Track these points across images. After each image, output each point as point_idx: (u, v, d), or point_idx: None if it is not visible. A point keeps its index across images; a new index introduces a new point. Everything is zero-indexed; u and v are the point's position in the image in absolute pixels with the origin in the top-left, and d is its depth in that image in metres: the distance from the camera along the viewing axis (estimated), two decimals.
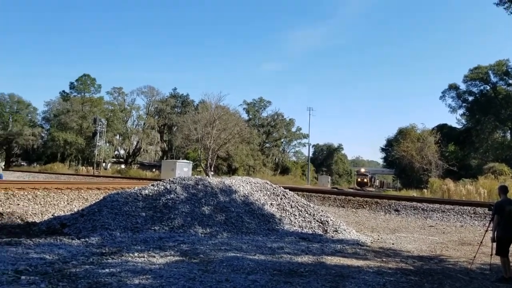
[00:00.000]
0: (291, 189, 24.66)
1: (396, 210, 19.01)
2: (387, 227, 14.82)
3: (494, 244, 7.51)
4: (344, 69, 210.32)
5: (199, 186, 11.62)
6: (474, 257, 8.56)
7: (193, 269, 6.55)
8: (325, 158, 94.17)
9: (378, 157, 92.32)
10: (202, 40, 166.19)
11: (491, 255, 7.67)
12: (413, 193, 34.18)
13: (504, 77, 56.30)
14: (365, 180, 76.22)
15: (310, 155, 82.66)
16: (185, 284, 5.58)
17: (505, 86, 57.39)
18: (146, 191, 10.89)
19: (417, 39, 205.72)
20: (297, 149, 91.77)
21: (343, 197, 22.44)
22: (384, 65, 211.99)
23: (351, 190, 41.13)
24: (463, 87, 59.59)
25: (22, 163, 75.76)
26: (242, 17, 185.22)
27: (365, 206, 20.28)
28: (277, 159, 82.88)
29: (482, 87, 58.51)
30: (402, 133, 55.03)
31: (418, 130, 53.19)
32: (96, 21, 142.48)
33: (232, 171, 64.96)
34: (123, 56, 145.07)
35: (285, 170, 79.70)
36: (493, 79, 57.49)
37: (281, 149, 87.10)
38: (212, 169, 56.36)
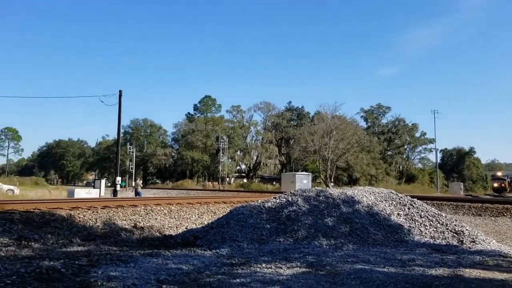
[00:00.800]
0: (419, 198, 23.25)
1: None
2: None
3: None
4: (466, 67, 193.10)
5: (320, 198, 11.57)
6: None
7: (321, 280, 6.50)
8: (455, 164, 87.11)
9: None
10: (315, 50, 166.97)
11: None
12: None
13: None
14: (503, 184, 67.73)
15: (438, 160, 77.31)
16: None
17: None
18: (269, 204, 11.18)
19: None
20: (422, 155, 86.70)
21: (479, 204, 20.45)
22: (508, 57, 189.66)
23: (488, 197, 37.25)
24: None
25: (157, 181, 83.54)
26: (352, 21, 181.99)
27: (505, 214, 18.22)
28: (401, 167, 79.08)
29: None
30: None
31: None
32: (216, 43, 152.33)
33: (353, 182, 63.51)
34: (239, 73, 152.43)
35: (410, 179, 75.61)
36: None
37: (404, 156, 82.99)
38: (332, 180, 55.79)
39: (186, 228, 12.28)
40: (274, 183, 66.56)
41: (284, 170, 76.54)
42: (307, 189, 12.31)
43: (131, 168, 65.33)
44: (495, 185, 68.94)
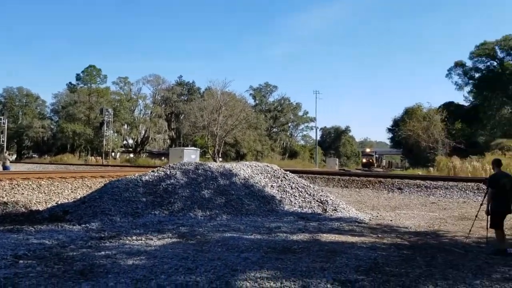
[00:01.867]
0: (298, 172, 24.86)
1: (399, 189, 19.08)
2: (388, 205, 14.92)
3: (489, 217, 7.57)
4: (350, 51, 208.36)
5: (199, 171, 11.78)
6: (470, 230, 8.65)
7: (188, 249, 6.72)
8: (333, 141, 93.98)
9: (385, 137, 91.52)
10: (205, 27, 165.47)
11: (487, 228, 7.73)
12: (419, 171, 34.13)
13: (511, 52, 55.45)
14: (371, 160, 73.42)
15: (318, 138, 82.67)
16: (177, 263, 5.75)
17: None
18: (147, 177, 11.08)
19: (423, 16, 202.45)
20: (305, 133, 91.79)
21: (347, 177, 22.55)
22: (390, 44, 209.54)
23: (358, 171, 41.13)
24: (469, 64, 58.97)
25: (33, 155, 76.79)
26: (247, 1, 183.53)
27: (368, 186, 20.37)
28: (285, 144, 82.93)
29: (488, 63, 57.81)
30: (408, 113, 54.68)
31: (424, 109, 52.84)
32: (98, 10, 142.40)
33: (240, 157, 65.13)
34: (127, 45, 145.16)
35: (293, 154, 79.79)
36: (500, 54, 56.74)
37: (288, 133, 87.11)
38: (220, 156, 56.68)
39: (56, 203, 11.62)
40: (163, 158, 65.47)
41: (173, 145, 75.56)
42: (186, 162, 12.42)
43: (2, 141, 59.17)
44: (364, 160, 74.67)
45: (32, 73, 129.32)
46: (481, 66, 58.28)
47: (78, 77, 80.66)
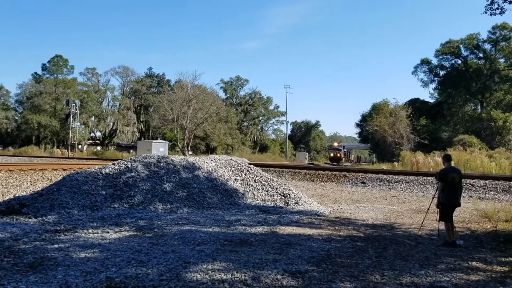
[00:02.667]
0: (267, 166, 25.03)
1: (363, 183, 19.49)
2: (350, 198, 15.23)
3: (439, 210, 7.86)
4: (319, 47, 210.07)
5: (161, 164, 11.70)
6: (422, 223, 8.96)
7: (144, 242, 6.70)
8: (303, 135, 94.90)
9: (354, 132, 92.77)
10: (178, 19, 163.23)
11: (438, 221, 8.01)
12: (384, 166, 34.91)
13: (475, 50, 57.28)
14: (338, 154, 71.47)
15: (288, 132, 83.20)
16: (130, 256, 5.74)
17: (475, 60, 58.47)
18: (107, 170, 10.93)
19: (391, 15, 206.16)
20: (275, 127, 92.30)
21: (313, 171, 22.84)
22: (358, 41, 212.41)
23: (327, 166, 41.70)
24: (435, 61, 60.59)
25: None
26: None
27: (333, 180, 20.72)
28: (255, 137, 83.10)
29: (453, 61, 59.58)
30: (376, 109, 55.73)
31: (391, 105, 53.97)
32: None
33: (210, 150, 64.91)
34: (96, 36, 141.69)
35: (264, 148, 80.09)
36: (464, 53, 58.53)
37: (259, 127, 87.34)
38: (190, 149, 56.30)
39: (14, 196, 11.31)
40: (131, 151, 64.52)
41: (142, 138, 74.57)
42: (149, 155, 12.31)
43: None
44: (331, 155, 72.77)
45: None
46: (446, 63, 60.01)
47: (44, 67, 78.29)
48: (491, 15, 13.04)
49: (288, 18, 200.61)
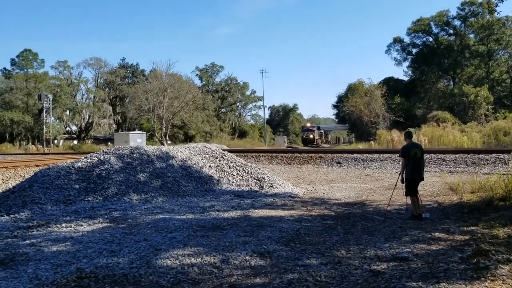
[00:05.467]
0: (244, 151, 25.19)
1: (338, 163, 19.84)
2: (326, 179, 15.52)
3: (404, 185, 8.15)
4: (294, 30, 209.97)
5: (135, 155, 11.71)
6: (390, 199, 9.25)
7: (116, 233, 6.78)
8: (282, 119, 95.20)
9: (332, 114, 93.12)
10: (149, 7, 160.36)
11: (406, 196, 8.27)
12: (361, 145, 35.49)
13: (445, 27, 58.24)
14: (311, 136, 64.78)
15: (267, 117, 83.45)
16: (102, 246, 5.82)
17: (446, 36, 59.46)
18: (79, 164, 10.89)
19: None
20: (253, 112, 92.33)
21: (290, 154, 23.10)
22: (332, 22, 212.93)
23: (305, 148, 42.10)
24: (407, 40, 61.40)
25: None
26: None
27: (310, 162, 21.02)
28: (234, 124, 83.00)
29: (425, 39, 60.50)
30: (351, 89, 56.35)
31: (366, 85, 54.61)
32: None
33: (189, 139, 64.64)
34: (65, 27, 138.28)
35: (243, 134, 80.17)
36: (435, 30, 59.50)
37: (237, 113, 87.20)
38: (168, 138, 56.01)
39: None
40: (109, 143, 63.70)
41: (120, 130, 73.68)
42: (121, 147, 12.29)
43: None
44: (304, 136, 67.02)
45: None
46: (418, 41, 60.90)
47: (13, 62, 76.18)
48: None
49: (261, 2, 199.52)
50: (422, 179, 8.09)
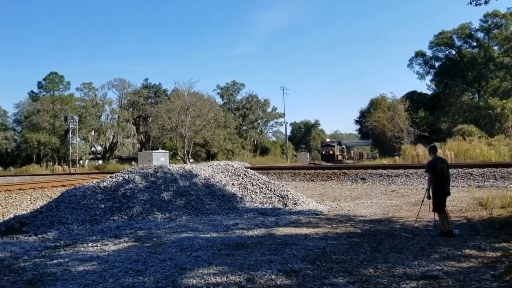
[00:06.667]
0: (267, 168, 25.13)
1: (363, 179, 19.56)
2: (350, 195, 15.31)
3: (431, 201, 7.95)
4: (313, 46, 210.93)
5: (158, 174, 11.81)
6: (417, 215, 9.04)
7: (142, 252, 6.80)
8: (303, 135, 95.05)
9: (354, 129, 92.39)
10: (170, 28, 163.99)
11: (433, 212, 8.06)
12: (385, 161, 34.98)
13: (468, 40, 57.50)
14: (331, 152, 62.49)
15: (288, 133, 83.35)
16: (127, 266, 5.84)
17: (469, 49, 58.67)
18: (105, 183, 11.05)
19: (382, 8, 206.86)
20: (275, 129, 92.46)
21: (313, 171, 22.93)
22: (352, 39, 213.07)
23: (327, 165, 41.74)
24: (429, 53, 60.81)
25: None
26: (208, 1, 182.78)
27: (333, 178, 20.80)
28: (255, 141, 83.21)
29: (447, 52, 59.81)
30: (374, 104, 55.88)
31: (389, 100, 54.11)
32: (60, 16, 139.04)
33: (211, 157, 65.01)
34: (89, 51, 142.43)
35: (264, 151, 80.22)
36: (458, 43, 58.78)
37: (258, 130, 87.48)
38: (190, 156, 56.44)
39: (14, 215, 11.43)
40: (133, 162, 64.64)
41: (143, 149, 74.69)
42: (146, 166, 12.43)
43: None
44: (323, 152, 64.75)
45: None
46: (440, 55, 60.25)
47: (40, 85, 78.59)
48: (476, 5, 13.14)
49: (279, 20, 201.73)
50: (449, 193, 7.89)
